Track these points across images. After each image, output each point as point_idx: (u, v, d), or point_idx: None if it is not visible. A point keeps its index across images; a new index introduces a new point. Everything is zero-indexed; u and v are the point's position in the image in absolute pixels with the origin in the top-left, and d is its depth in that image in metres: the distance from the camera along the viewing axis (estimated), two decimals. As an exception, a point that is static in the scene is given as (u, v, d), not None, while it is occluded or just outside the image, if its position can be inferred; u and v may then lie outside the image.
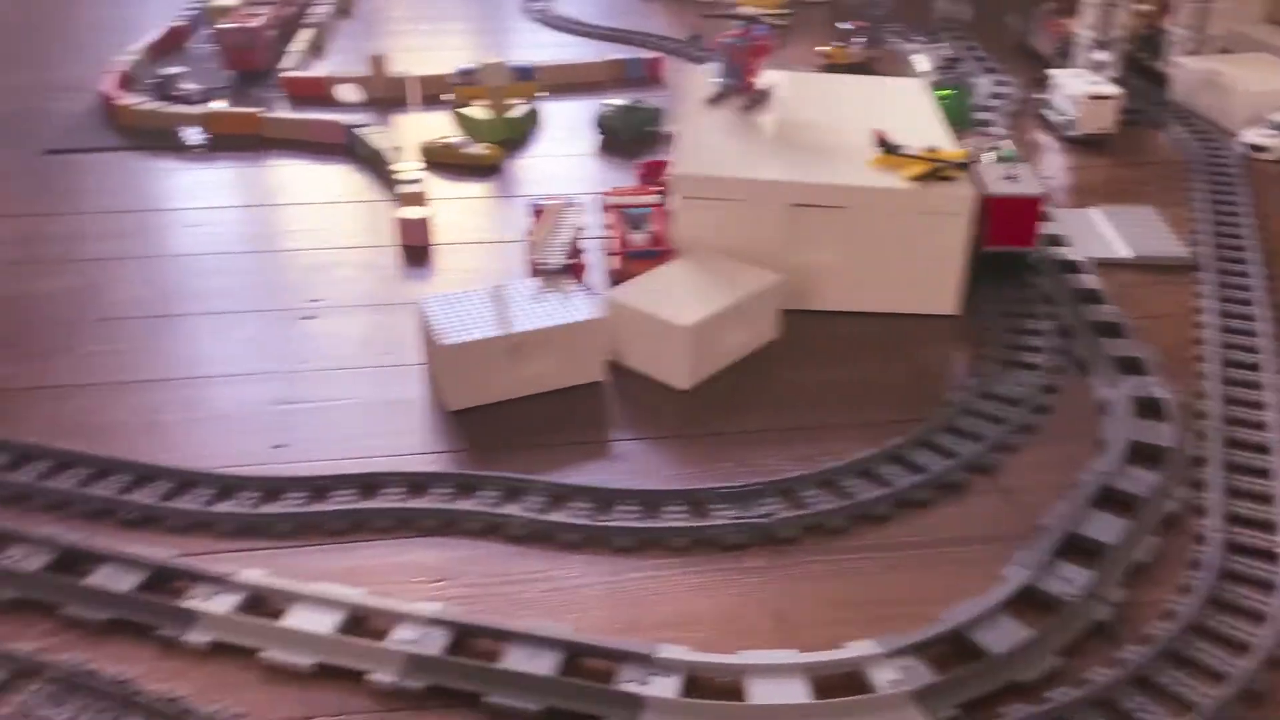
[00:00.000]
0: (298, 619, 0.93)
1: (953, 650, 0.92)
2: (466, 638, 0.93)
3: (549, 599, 0.99)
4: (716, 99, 1.64)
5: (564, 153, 1.99)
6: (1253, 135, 1.94)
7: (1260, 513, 1.07)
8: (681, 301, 1.30)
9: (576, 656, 0.91)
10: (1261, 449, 1.17)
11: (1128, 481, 1.11)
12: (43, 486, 1.10)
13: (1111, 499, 1.09)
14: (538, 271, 1.37)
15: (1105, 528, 1.04)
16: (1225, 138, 1.99)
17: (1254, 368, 1.31)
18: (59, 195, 1.80)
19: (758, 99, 1.64)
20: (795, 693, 0.86)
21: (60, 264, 1.58)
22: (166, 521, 1.07)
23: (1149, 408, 1.23)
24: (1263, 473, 1.13)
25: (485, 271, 1.55)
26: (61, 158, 1.96)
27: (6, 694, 0.87)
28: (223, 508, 1.08)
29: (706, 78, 1.70)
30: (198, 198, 1.81)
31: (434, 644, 0.91)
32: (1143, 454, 1.15)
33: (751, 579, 1.02)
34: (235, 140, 2.01)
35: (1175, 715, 0.86)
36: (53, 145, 2.00)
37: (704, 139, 1.52)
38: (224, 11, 2.48)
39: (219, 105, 2.09)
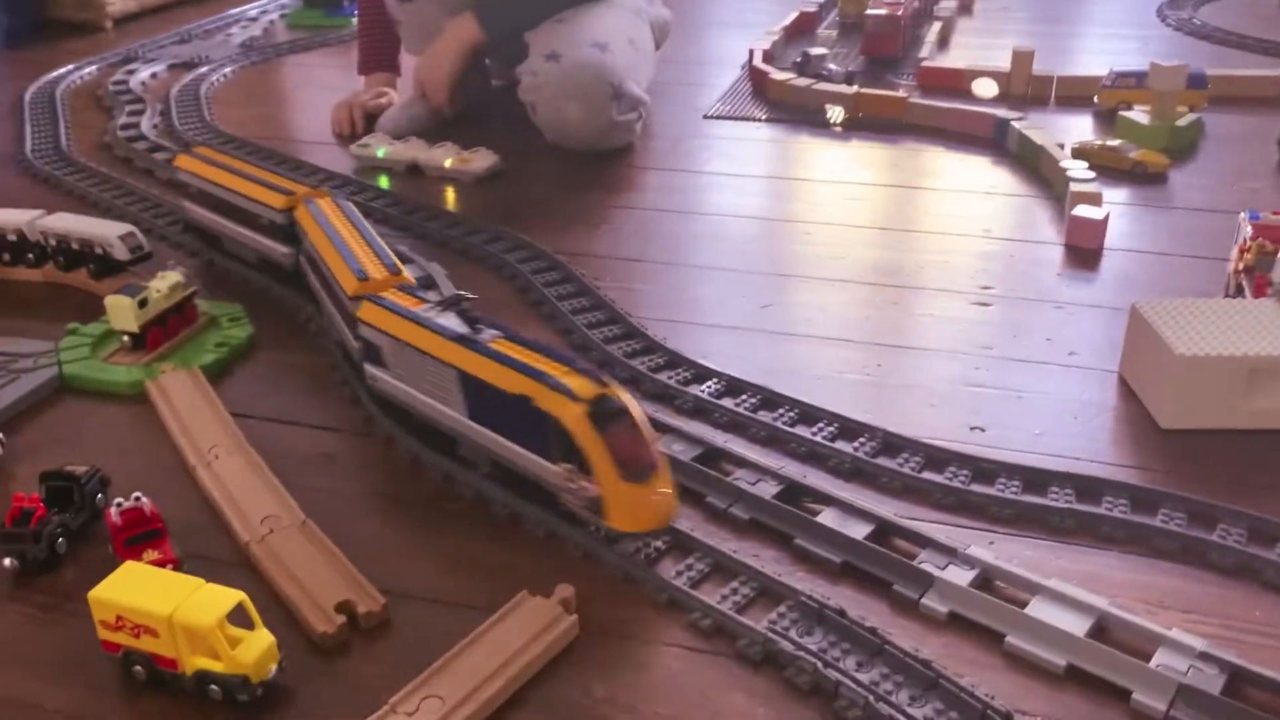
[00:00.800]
0: (1043, 612, 0.87)
1: None
2: (1240, 682, 0.82)
3: (1322, 667, 0.84)
4: None
5: (1231, 170, 1.77)
6: None
7: None
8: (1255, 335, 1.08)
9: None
10: None
11: None
12: (755, 419, 1.14)
13: None
14: (1268, 292, 1.20)
15: None
16: None
17: None
18: (719, 155, 1.93)
19: None
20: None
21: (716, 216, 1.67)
22: (879, 479, 1.06)
23: None
24: None
25: (1160, 287, 1.41)
26: (716, 122, 2.09)
27: (753, 609, 0.89)
28: (932, 477, 1.05)
29: None
30: (849, 172, 1.84)
31: (1208, 682, 0.80)
32: None
33: None
34: (876, 122, 2.03)
35: None
36: (709, 112, 2.14)
37: None
38: (861, 1, 2.53)
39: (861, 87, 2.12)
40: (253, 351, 1.30)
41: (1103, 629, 0.87)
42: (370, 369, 1.10)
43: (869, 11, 2.36)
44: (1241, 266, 1.32)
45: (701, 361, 1.23)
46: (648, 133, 1.98)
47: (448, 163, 1.81)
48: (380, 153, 1.86)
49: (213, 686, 0.80)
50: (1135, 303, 1.20)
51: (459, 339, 0.99)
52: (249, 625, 0.82)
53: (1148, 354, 1.16)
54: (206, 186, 1.45)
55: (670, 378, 1.21)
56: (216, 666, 0.80)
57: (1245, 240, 1.34)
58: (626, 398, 0.93)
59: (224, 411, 1.15)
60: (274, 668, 0.81)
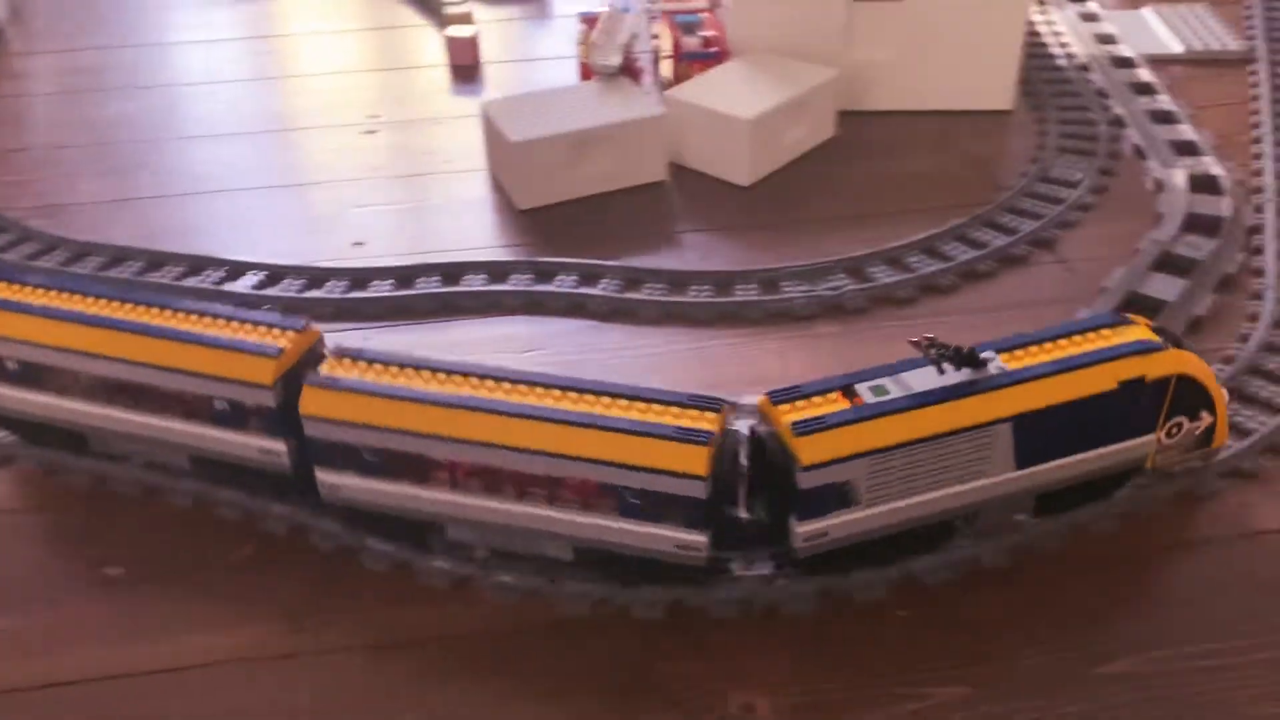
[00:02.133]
0: (402, 382, 0.98)
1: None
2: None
3: (635, 364, 1.04)
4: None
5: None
6: (1307, -68, 1.90)
7: (1316, 272, 1.11)
8: (740, 97, 1.32)
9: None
10: (1317, 217, 1.19)
11: (1186, 248, 1.14)
12: (142, 281, 1.15)
13: (1171, 264, 1.12)
14: (595, 74, 1.38)
15: (1165, 287, 1.08)
16: (1278, -64, 1.94)
17: (1309, 147, 1.32)
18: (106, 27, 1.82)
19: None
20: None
21: (123, 90, 1.60)
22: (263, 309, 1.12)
23: (1205, 184, 1.25)
24: (1319, 238, 1.16)
25: (535, 86, 1.56)
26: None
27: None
28: (315, 294, 1.13)
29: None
30: (225, 30, 1.81)
31: (533, 399, 0.96)
32: (1200, 224, 1.18)
33: (824, 344, 1.07)
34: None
35: (1237, 440, 0.91)
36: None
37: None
38: None
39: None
40: None
41: (457, 383, 1.00)
42: (805, 528, 0.76)
43: None
44: (583, 57, 1.49)
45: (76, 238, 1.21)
46: None
47: None
48: None
49: None
50: (483, 102, 1.33)
51: (970, 388, 0.77)
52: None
53: (498, 147, 1.30)
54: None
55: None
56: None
57: (579, 32, 1.51)
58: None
59: None
60: None
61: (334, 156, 1.42)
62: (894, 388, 0.77)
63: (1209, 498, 0.88)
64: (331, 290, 1.13)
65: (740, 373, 1.03)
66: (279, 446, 0.83)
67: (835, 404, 0.76)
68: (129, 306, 0.86)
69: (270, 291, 1.13)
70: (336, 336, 1.06)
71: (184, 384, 0.83)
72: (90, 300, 0.87)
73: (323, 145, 1.45)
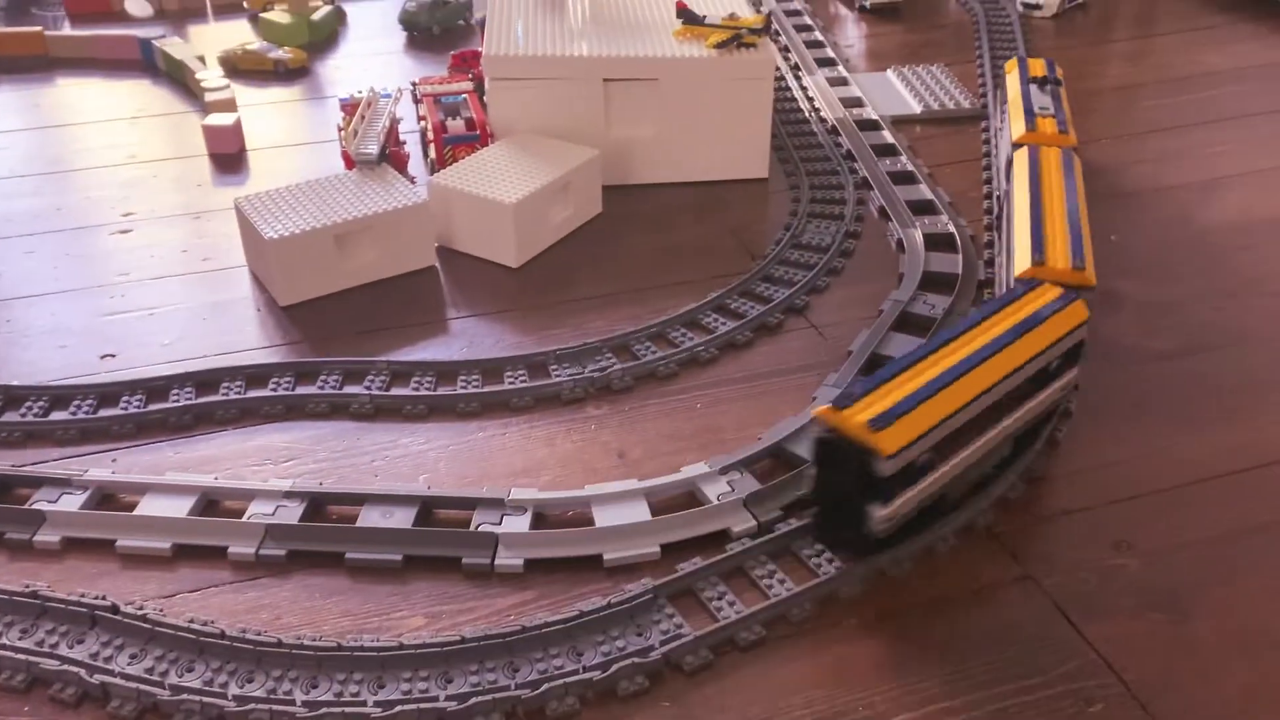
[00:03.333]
0: (151, 507, 0.94)
1: (775, 462, 1.01)
2: (322, 506, 0.97)
3: (399, 465, 1.03)
4: (521, -16, 1.65)
5: (371, 51, 1.96)
6: (1027, -6, 2.07)
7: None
8: (504, 181, 1.33)
9: (431, 509, 0.96)
10: (1039, 268, 1.30)
11: (923, 306, 1.22)
12: None
13: (910, 322, 1.20)
14: (355, 163, 1.37)
15: (904, 347, 1.15)
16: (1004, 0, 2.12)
17: (1032, 200, 1.44)
18: None
19: (562, -19, 1.65)
20: (638, 513, 0.94)
21: None
22: (0, 436, 1.05)
23: (941, 242, 1.34)
24: (1040, 288, 1.26)
25: (300, 173, 1.54)
26: None
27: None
28: (59, 416, 1.07)
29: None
30: (-15, 122, 1.72)
31: (290, 514, 0.94)
32: (938, 282, 1.27)
33: (592, 426, 1.08)
34: (19, 61, 1.91)
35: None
36: None
37: (513, 20, 1.54)
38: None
39: (-5, 26, 1.97)
40: None
41: (210, 503, 0.97)
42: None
43: (-14, -58, 2.16)
44: (344, 145, 1.48)
45: None
46: None
47: None
48: None
49: None
50: (236, 199, 1.30)
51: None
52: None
53: (255, 243, 1.27)
54: None
55: None
56: None
57: (341, 119, 1.50)
58: None
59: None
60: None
61: (83, 261, 1.35)
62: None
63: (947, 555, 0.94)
64: (76, 411, 1.08)
65: (509, 464, 1.03)
66: None
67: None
68: None
69: (7, 417, 1.07)
70: (81, 461, 1.01)
71: None
72: None
73: (72, 249, 1.38)
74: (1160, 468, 1.02)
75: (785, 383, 1.13)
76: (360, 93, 1.53)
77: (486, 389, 1.12)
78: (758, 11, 1.58)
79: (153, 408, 1.08)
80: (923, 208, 1.42)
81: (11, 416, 1.07)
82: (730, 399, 1.11)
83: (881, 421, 0.85)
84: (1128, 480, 1.00)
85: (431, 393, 1.11)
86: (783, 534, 0.93)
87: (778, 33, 1.97)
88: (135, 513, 0.94)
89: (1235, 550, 0.93)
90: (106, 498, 0.97)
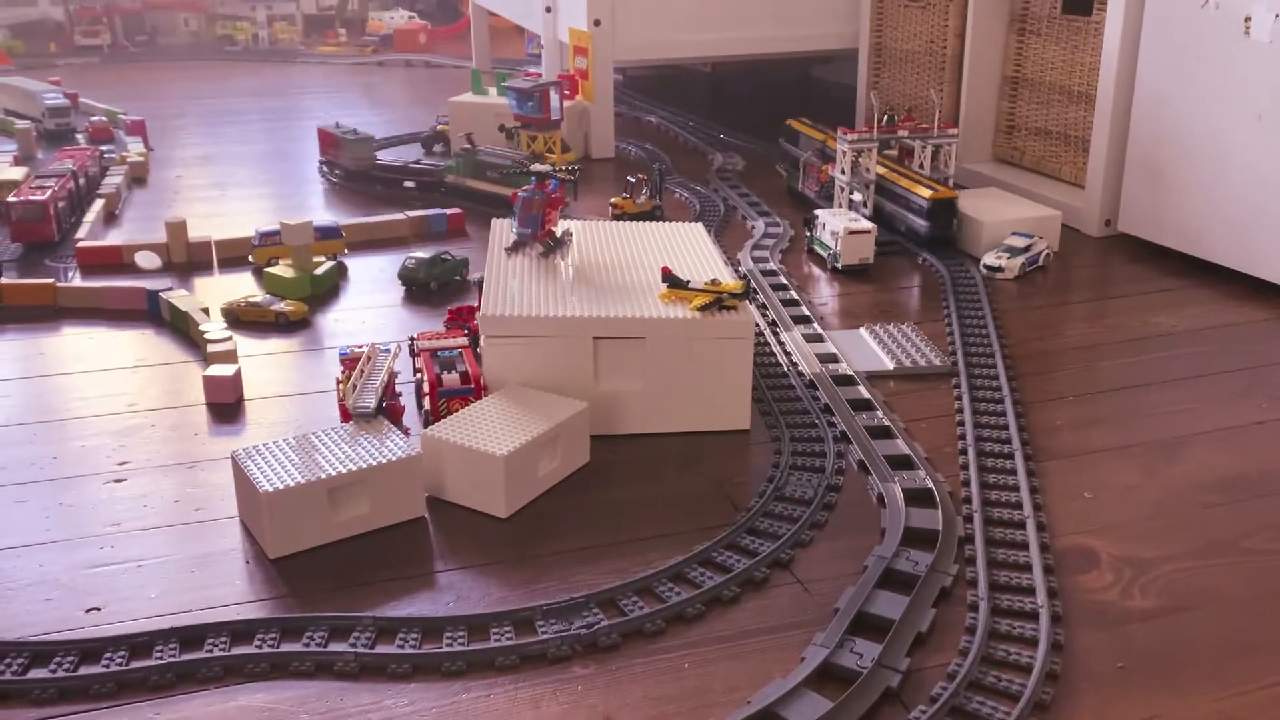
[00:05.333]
0: (124, 775, 0.92)
1: (766, 728, 1.00)
2: (302, 773, 0.94)
3: (382, 728, 1.01)
4: (515, 247, 1.76)
5: (371, 305, 2.06)
6: (989, 259, 2.21)
7: (1019, 579, 1.22)
8: (495, 433, 1.38)
9: (414, 778, 0.94)
10: (1017, 525, 1.33)
11: (906, 562, 1.24)
12: None
13: (894, 579, 1.21)
14: (352, 416, 1.41)
15: (890, 604, 1.16)
16: (968, 261, 2.26)
17: (1006, 456, 1.49)
18: None
19: (555, 245, 1.77)
20: (625, 784, 0.92)
21: None
22: (-20, 697, 1.03)
23: (922, 497, 1.38)
24: (1018, 545, 1.29)
25: (296, 423, 1.59)
26: None
27: None
28: (37, 674, 1.05)
29: (508, 229, 1.82)
30: (-10, 370, 1.77)
31: (269, 783, 0.91)
32: (918, 537, 1.29)
33: (579, 687, 1.07)
34: (29, 311, 1.98)
35: (962, 762, 0.96)
36: None
37: (508, 282, 1.63)
38: (10, 186, 2.45)
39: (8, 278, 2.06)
40: None
41: (188, 769, 0.94)
42: None
43: (10, 199, 2.30)
44: (341, 397, 1.53)
45: None
46: None
47: None
48: None
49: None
50: (232, 450, 1.33)
51: None
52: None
53: (249, 495, 1.29)
54: None
55: None
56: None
57: (340, 372, 1.56)
58: None
59: None
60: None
61: (74, 510, 1.36)
62: None
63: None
64: (56, 669, 1.06)
65: (493, 727, 1.02)
66: None
67: None
68: None
69: (-16, 674, 1.05)
70: (55, 724, 0.99)
71: None
72: None
73: (64, 498, 1.39)
74: (1151, 733, 1.01)
75: (772, 641, 1.14)
76: (360, 347, 1.59)
77: (472, 647, 1.11)
78: (738, 277, 1.68)
79: (135, 665, 1.07)
80: (900, 462, 1.46)
81: (-11, 674, 1.05)
82: (718, 659, 1.11)
83: None
84: (1119, 747, 1.00)
85: (417, 650, 1.11)
86: (774, 805, 0.91)
87: (755, 291, 2.08)
88: (109, 781, 0.91)
89: (1233, 823, 0.92)
90: (80, 764, 0.95)
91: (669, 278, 1.59)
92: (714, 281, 1.60)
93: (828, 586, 1.22)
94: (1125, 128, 2.35)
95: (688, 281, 1.59)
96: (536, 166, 1.87)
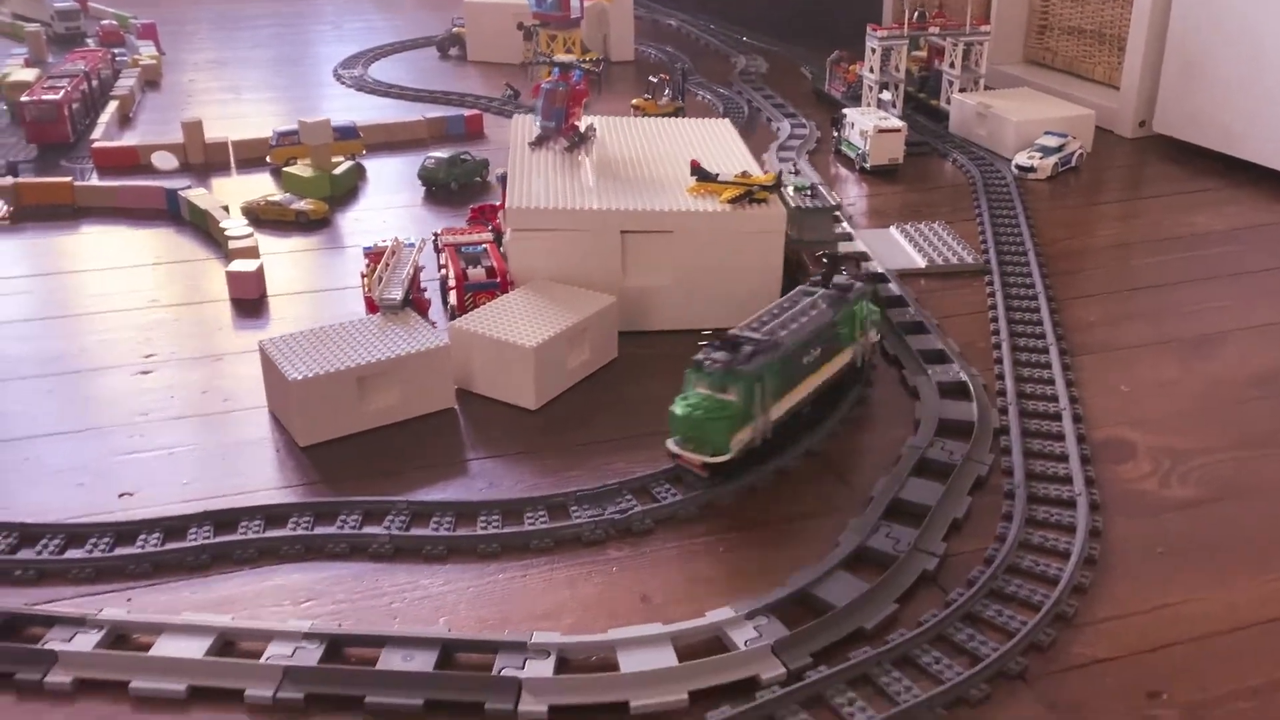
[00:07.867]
0: (166, 648, 0.92)
1: (802, 608, 1.00)
2: (341, 648, 0.95)
3: (419, 606, 1.01)
4: (540, 141, 1.72)
5: (391, 205, 2.03)
6: (1021, 158, 2.16)
7: (1055, 469, 1.21)
8: (524, 326, 1.36)
9: (451, 653, 0.94)
10: (1053, 416, 1.31)
11: (940, 452, 1.22)
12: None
13: (929, 468, 1.20)
14: (378, 309, 1.40)
15: (925, 492, 1.15)
16: (999, 161, 2.21)
17: (1041, 350, 1.47)
18: None
19: (580, 139, 1.73)
20: (664, 659, 0.92)
21: None
22: (14, 574, 1.03)
23: (956, 390, 1.36)
24: (1054, 436, 1.27)
25: (320, 318, 1.57)
26: None
27: None
28: (74, 554, 1.05)
29: (531, 123, 1.78)
30: (10, 268, 1.75)
31: (309, 656, 0.92)
32: (953, 429, 1.28)
33: (614, 569, 1.07)
34: (48, 210, 1.96)
35: (1001, 642, 0.95)
36: None
37: (533, 176, 1.60)
38: (22, 87, 2.41)
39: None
40: None
41: (228, 643, 0.95)
42: None
43: (23, 99, 2.26)
44: (367, 290, 1.51)
45: None
46: None
47: None
48: None
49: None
50: (260, 341, 1.31)
51: None
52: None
53: (278, 384, 1.28)
54: None
55: None
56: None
57: (365, 266, 1.54)
58: None
59: None
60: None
61: (103, 401, 1.36)
62: None
63: None
64: (92, 549, 1.06)
65: (530, 607, 1.02)
66: None
67: None
68: None
69: (21, 555, 1.05)
70: (94, 600, 1.00)
71: None
72: None
73: (91, 390, 1.39)
74: (1190, 616, 1.01)
75: (807, 527, 1.13)
76: (384, 241, 1.57)
77: (507, 530, 1.11)
78: (766, 171, 1.64)
79: (170, 547, 1.07)
80: (934, 357, 1.44)
81: (26, 554, 1.06)
82: (753, 544, 1.11)
83: None
84: (1158, 629, 0.99)
85: (451, 533, 1.10)
86: (813, 681, 0.91)
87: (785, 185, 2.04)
88: (150, 653, 0.92)
89: (1276, 701, 0.91)
90: (121, 638, 0.95)
91: (698, 170, 1.55)
92: (744, 174, 1.56)
93: (862, 476, 1.21)
94: (1164, 25, 2.28)
95: (716, 174, 1.55)
96: (559, 57, 1.82)
